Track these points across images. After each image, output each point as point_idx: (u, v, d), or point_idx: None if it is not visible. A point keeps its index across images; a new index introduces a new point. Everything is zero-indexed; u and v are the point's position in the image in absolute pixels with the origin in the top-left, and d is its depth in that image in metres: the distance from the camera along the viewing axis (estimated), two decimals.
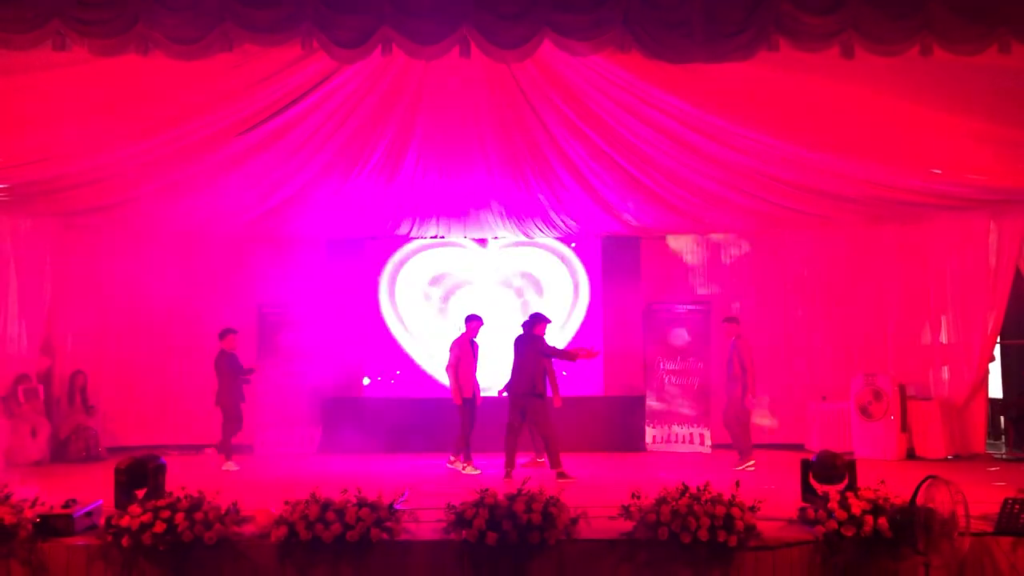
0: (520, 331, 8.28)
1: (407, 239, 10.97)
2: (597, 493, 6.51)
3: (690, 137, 8.01)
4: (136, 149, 7.82)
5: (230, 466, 8.60)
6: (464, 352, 8.50)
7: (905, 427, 9.39)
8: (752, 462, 8.53)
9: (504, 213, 10.21)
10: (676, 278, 11.10)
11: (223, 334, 8.95)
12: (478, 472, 8.16)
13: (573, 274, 11.01)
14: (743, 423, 8.79)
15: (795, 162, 8.18)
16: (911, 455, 9.38)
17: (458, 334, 8.65)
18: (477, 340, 8.60)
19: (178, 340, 10.64)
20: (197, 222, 10.10)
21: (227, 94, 7.21)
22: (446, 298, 10.97)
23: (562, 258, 11.02)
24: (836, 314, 10.38)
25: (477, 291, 10.95)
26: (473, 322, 8.65)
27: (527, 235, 10.85)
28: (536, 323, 8.19)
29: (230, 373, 8.82)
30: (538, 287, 11.00)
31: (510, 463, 7.94)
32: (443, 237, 10.96)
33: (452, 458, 8.44)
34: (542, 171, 9.13)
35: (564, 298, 11.00)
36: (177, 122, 7.48)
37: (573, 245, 10.99)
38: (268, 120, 7.80)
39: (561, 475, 7.74)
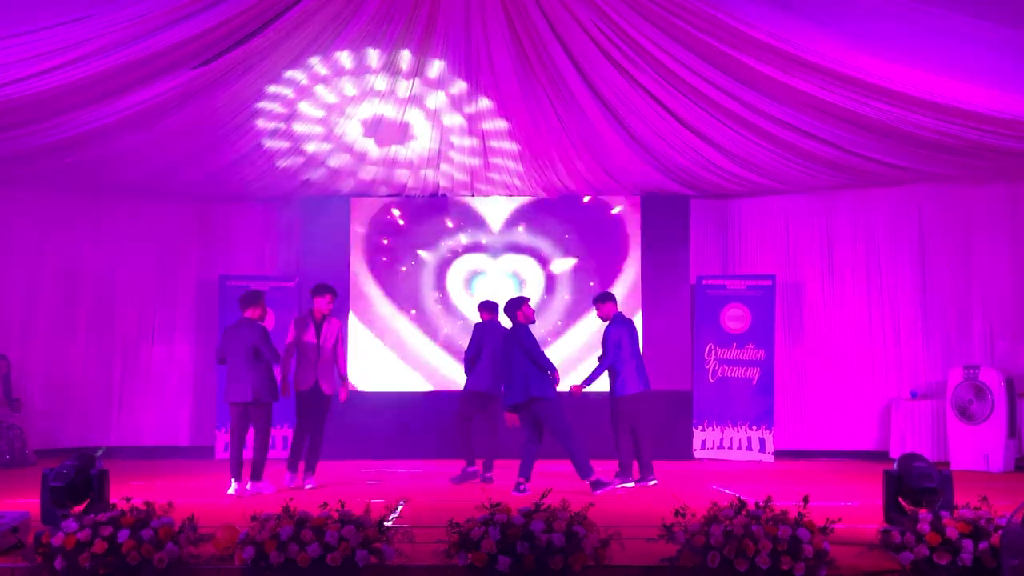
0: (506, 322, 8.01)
1: (403, 195, 10.95)
2: (633, 510, 6.52)
3: (749, 64, 7.87)
4: (74, 73, 7.74)
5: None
6: (302, 333, 7.91)
7: (1014, 432, 9.36)
8: (631, 482, 8.01)
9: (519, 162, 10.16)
10: (733, 247, 11.06)
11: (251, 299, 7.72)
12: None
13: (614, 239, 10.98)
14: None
15: (883, 93, 8.01)
16: (1021, 466, 9.35)
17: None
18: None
19: (125, 319, 10.71)
20: (148, 175, 10.08)
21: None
22: (441, 274, 10.97)
23: (595, 219, 10.99)
24: (930, 291, 10.30)
25: (482, 263, 10.98)
26: (318, 297, 7.96)
27: (545, 191, 10.82)
28: (516, 307, 7.84)
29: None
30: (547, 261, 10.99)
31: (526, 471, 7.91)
32: (445, 195, 10.95)
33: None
34: (566, 110, 9.07)
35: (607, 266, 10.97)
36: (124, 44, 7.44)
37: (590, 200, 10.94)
38: (233, 48, 7.78)
39: (597, 483, 7.54)
